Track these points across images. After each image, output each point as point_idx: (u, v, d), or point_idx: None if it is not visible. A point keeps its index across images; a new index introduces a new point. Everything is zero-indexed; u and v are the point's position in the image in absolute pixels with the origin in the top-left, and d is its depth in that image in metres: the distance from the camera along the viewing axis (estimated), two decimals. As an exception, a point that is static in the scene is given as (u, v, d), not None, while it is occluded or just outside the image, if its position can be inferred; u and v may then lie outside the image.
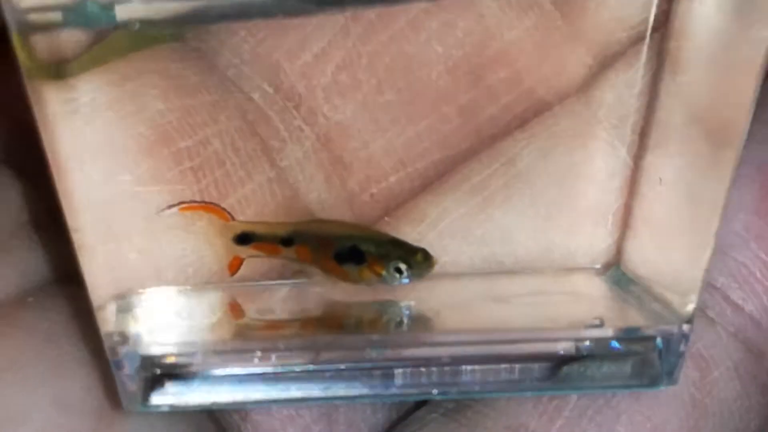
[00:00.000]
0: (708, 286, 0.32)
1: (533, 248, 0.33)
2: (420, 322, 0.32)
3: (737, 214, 0.32)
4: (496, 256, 0.33)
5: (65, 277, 0.31)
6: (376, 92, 0.32)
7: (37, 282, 0.31)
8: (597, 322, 0.31)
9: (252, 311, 0.33)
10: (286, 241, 0.32)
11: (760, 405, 0.32)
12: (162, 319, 0.31)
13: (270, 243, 0.32)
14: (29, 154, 0.32)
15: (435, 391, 0.30)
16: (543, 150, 0.32)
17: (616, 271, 0.33)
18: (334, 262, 0.31)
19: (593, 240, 0.33)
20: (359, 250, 0.31)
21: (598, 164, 0.32)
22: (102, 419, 0.29)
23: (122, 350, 0.29)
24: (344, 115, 0.32)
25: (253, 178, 0.32)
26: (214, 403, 0.30)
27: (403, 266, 0.31)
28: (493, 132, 0.32)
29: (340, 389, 0.30)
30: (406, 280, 0.31)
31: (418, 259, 0.31)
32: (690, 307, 0.30)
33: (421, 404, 0.33)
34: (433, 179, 0.33)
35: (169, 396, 0.29)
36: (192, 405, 0.30)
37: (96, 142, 0.30)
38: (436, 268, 0.32)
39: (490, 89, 0.32)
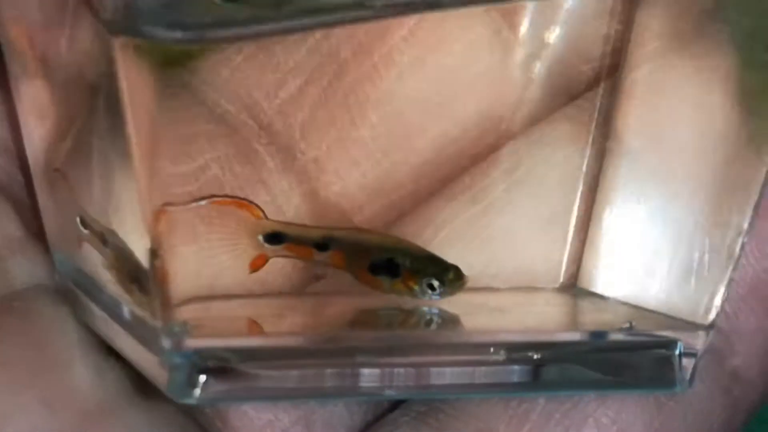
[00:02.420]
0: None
1: (531, 256, 0.34)
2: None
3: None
4: (494, 264, 0.33)
5: (49, 284, 0.33)
6: (350, 128, 0.33)
7: (21, 288, 0.32)
8: (627, 325, 0.31)
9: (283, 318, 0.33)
10: (321, 246, 0.32)
11: (723, 407, 0.33)
12: (213, 316, 0.32)
13: (303, 245, 0.32)
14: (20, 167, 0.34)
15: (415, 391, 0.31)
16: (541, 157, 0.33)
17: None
18: (369, 271, 0.32)
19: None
20: (395, 262, 0.31)
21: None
22: (87, 419, 0.30)
23: (175, 342, 0.29)
24: (320, 151, 0.33)
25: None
26: (251, 399, 0.31)
27: (435, 283, 0.31)
28: (464, 163, 0.33)
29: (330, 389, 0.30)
30: (437, 297, 0.31)
31: (450, 277, 0.31)
32: (712, 315, 0.31)
33: (394, 407, 0.34)
34: (408, 210, 0.34)
35: (211, 389, 0.29)
36: (231, 399, 0.30)
37: None
38: None
39: (460, 121, 0.33)
